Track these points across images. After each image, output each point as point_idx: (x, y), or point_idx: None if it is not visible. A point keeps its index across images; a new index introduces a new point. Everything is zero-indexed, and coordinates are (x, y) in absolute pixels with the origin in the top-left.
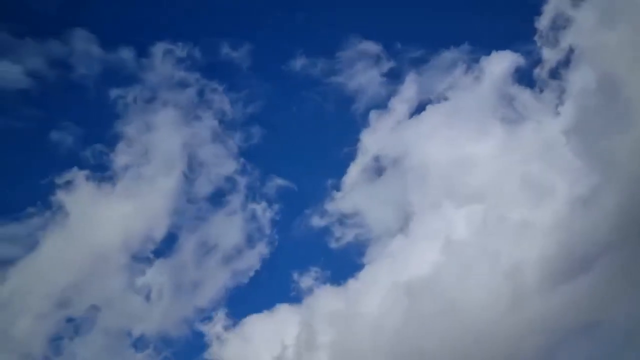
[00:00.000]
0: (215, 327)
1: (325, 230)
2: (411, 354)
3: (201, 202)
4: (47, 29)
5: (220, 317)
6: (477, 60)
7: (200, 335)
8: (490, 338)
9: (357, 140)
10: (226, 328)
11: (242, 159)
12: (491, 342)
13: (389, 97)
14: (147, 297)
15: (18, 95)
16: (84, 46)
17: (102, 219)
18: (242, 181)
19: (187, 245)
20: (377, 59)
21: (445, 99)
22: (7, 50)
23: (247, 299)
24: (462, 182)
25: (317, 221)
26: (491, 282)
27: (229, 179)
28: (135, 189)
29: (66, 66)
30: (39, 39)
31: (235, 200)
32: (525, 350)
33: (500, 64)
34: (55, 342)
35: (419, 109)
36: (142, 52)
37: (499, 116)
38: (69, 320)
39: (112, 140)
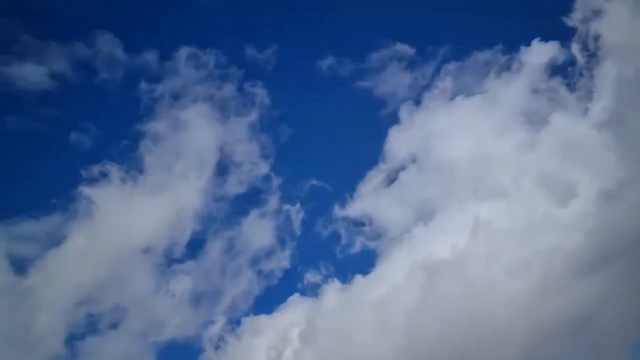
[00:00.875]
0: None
1: (347, 229)
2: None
3: (229, 202)
4: (72, 32)
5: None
6: (510, 58)
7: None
8: (503, 337)
9: (384, 138)
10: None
11: (269, 160)
12: (504, 341)
13: (420, 95)
14: (171, 298)
15: (42, 97)
16: (108, 49)
17: (127, 218)
18: (269, 181)
19: (215, 245)
20: (408, 62)
21: (476, 95)
22: (31, 52)
23: (268, 299)
24: (490, 177)
25: (337, 222)
26: (510, 277)
27: (257, 179)
28: (163, 188)
29: (90, 68)
30: (64, 41)
31: (262, 200)
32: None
33: (533, 59)
34: (74, 340)
35: (448, 107)
36: (166, 55)
37: (529, 112)
38: (90, 318)
39: (137, 140)
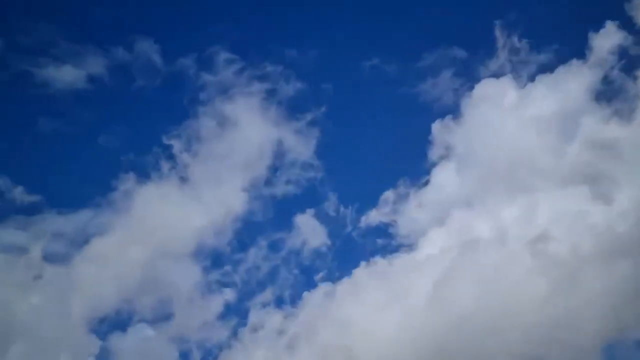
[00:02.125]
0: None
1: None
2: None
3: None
4: (111, 36)
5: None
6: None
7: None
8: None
9: (428, 139)
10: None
11: (314, 161)
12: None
13: (468, 94)
14: (209, 300)
15: (78, 99)
16: (146, 54)
17: (168, 218)
18: (309, 183)
19: (259, 247)
20: (459, 65)
21: (525, 88)
22: (70, 55)
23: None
24: (534, 169)
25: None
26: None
27: (302, 180)
28: (208, 188)
29: (128, 72)
30: (103, 45)
31: (308, 202)
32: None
33: (591, 52)
34: (103, 336)
35: (499, 103)
36: (204, 60)
37: (579, 105)
38: (121, 317)
39: (179, 140)
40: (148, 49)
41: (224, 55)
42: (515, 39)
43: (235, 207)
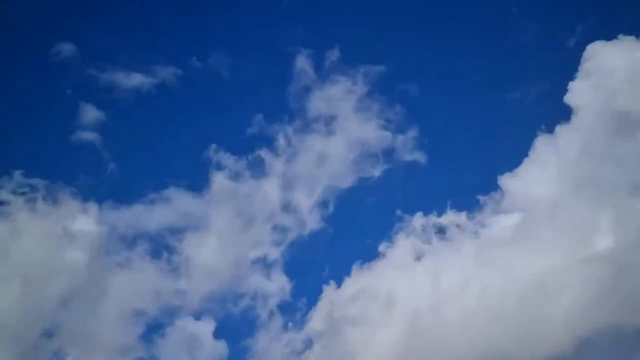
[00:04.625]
0: None
1: None
2: None
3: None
4: (183, 47)
5: None
6: None
7: None
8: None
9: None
10: None
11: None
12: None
13: None
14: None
15: (149, 106)
16: (217, 65)
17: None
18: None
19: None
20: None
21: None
22: (140, 63)
23: None
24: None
25: None
26: None
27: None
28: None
29: (199, 82)
30: (174, 55)
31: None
32: None
33: None
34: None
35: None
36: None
37: None
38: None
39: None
40: (220, 61)
41: (304, 60)
42: None
43: (328, 211)
